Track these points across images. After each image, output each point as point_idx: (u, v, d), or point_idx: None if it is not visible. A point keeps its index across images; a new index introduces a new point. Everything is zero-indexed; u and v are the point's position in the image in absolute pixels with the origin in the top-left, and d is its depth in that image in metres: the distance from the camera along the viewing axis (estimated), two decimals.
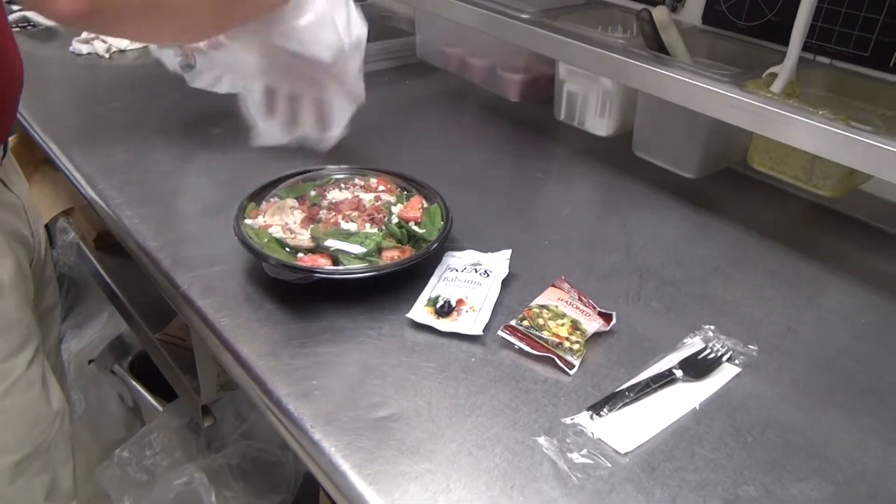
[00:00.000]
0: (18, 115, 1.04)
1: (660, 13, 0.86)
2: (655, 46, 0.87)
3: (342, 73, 0.79)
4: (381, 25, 1.43)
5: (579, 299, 0.69)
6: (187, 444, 1.07)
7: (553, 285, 0.70)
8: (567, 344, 0.63)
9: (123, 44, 1.31)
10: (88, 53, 1.29)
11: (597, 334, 0.66)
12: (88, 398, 1.34)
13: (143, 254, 0.77)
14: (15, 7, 1.43)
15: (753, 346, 0.65)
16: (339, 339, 0.65)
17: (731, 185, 0.95)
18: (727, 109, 0.78)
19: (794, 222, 0.90)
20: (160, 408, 1.13)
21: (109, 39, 1.31)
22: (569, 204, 0.90)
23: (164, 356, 0.92)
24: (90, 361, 1.38)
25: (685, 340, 0.66)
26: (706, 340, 0.65)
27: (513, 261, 0.75)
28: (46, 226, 1.08)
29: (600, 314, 0.68)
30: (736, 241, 0.84)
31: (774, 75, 0.80)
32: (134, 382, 1.20)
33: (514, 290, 0.72)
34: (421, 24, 1.24)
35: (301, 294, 0.70)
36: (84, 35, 1.31)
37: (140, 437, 1.09)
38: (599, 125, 1.00)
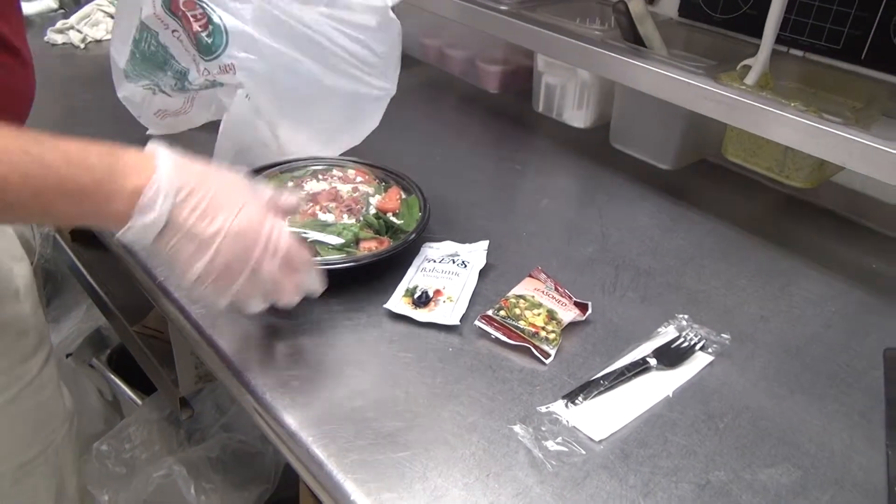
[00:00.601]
0: None
1: (636, 5, 0.87)
2: (632, 38, 0.88)
3: None
4: None
5: (556, 289, 0.70)
6: (167, 436, 1.06)
7: (530, 275, 0.71)
8: (543, 333, 0.63)
9: (99, 34, 1.29)
10: (63, 43, 1.28)
11: (573, 324, 0.67)
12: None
13: (119, 246, 0.77)
14: None
15: (726, 335, 0.66)
16: (317, 330, 0.66)
17: (706, 175, 0.96)
18: (701, 101, 0.79)
19: (768, 213, 0.91)
20: (139, 401, 1.13)
21: (85, 30, 1.29)
22: (546, 195, 0.90)
23: (141, 349, 0.91)
24: (68, 355, 1.37)
25: (659, 329, 0.67)
26: (680, 329, 0.67)
27: (490, 251, 0.76)
28: None
29: (576, 304, 0.68)
30: (710, 232, 0.85)
31: (748, 68, 0.81)
32: (112, 376, 1.19)
33: (492, 281, 0.73)
34: (399, 14, 1.24)
35: None
36: (59, 24, 1.29)
37: (119, 430, 1.08)
38: (577, 117, 1.00)
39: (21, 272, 0.73)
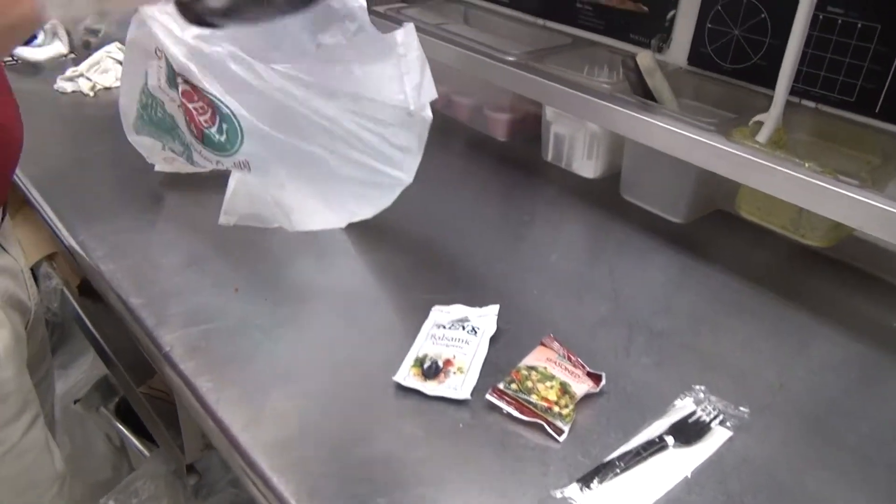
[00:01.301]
0: None
1: (644, 60, 0.86)
2: (641, 92, 0.87)
3: None
4: None
5: (568, 358, 0.68)
6: (174, 491, 1.05)
7: (542, 344, 0.70)
8: (556, 409, 0.62)
9: (108, 81, 1.30)
10: (73, 91, 1.28)
11: (586, 395, 0.65)
12: (74, 439, 1.31)
13: (126, 311, 0.76)
14: None
15: (744, 408, 0.65)
16: (324, 402, 0.64)
17: (719, 227, 0.95)
18: (713, 160, 0.78)
19: (784, 267, 0.89)
20: (147, 452, 1.12)
21: (94, 77, 1.30)
22: (556, 249, 0.89)
23: (147, 410, 0.90)
24: (76, 401, 1.36)
25: (675, 402, 0.65)
26: (697, 402, 0.65)
27: (500, 313, 0.75)
28: (31, 269, 1.07)
29: (589, 374, 0.67)
30: (724, 287, 0.84)
31: (761, 123, 0.80)
32: (120, 426, 1.18)
33: (502, 347, 0.71)
34: None
35: (287, 355, 0.69)
36: (69, 72, 1.30)
37: (126, 485, 1.07)
38: (587, 167, 0.99)
39: (2, 338, 0.72)
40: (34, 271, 1.12)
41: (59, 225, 0.89)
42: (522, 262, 0.86)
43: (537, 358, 0.67)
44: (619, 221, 0.95)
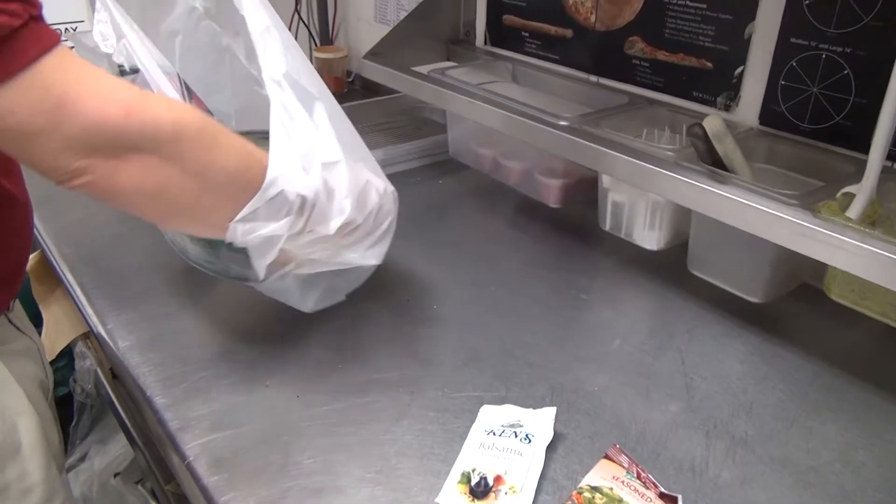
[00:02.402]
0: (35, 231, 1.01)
1: (713, 124, 0.78)
2: (709, 159, 0.78)
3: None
4: (413, 117, 1.39)
5: (637, 476, 0.59)
6: None
7: (607, 456, 0.61)
8: None
9: None
10: None
11: None
12: None
13: (151, 411, 0.71)
14: None
15: None
16: None
17: (805, 307, 0.85)
18: (798, 239, 0.68)
19: (885, 353, 0.79)
20: None
21: None
22: (618, 334, 0.81)
23: None
24: (116, 475, 1.32)
25: None
26: None
27: (557, 413, 0.67)
28: (66, 349, 1.03)
29: (662, 496, 0.58)
30: (815, 379, 0.73)
31: (851, 195, 0.70)
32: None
33: (560, 456, 0.63)
34: (452, 121, 1.18)
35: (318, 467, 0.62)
36: None
37: None
38: (649, 238, 0.91)
39: (27, 426, 0.69)
40: (71, 349, 1.09)
41: (89, 310, 0.85)
42: (580, 351, 0.78)
43: (602, 475, 0.59)
44: (689, 301, 0.86)
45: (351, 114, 0.71)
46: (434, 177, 1.21)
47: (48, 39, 0.47)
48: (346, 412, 0.69)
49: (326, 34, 1.71)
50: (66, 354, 1.08)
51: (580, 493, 0.57)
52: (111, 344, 0.79)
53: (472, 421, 0.67)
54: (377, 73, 1.18)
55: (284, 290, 0.75)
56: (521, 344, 0.78)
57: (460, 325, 0.81)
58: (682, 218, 0.89)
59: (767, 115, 0.89)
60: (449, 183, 1.19)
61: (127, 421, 0.94)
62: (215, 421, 0.68)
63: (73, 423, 1.29)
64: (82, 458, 1.30)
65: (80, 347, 1.05)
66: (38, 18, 0.48)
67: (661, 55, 1.00)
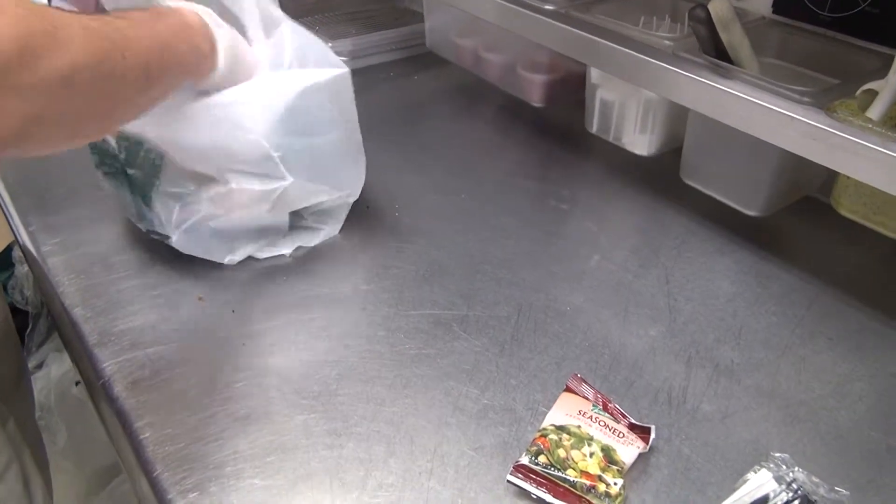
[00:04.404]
0: None
1: (719, 8, 0.66)
2: (712, 50, 0.68)
3: None
4: (390, 6, 1.25)
5: (604, 408, 0.52)
6: None
7: (568, 388, 0.54)
8: (602, 487, 0.46)
9: None
10: None
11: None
12: (72, 427, 1.23)
13: (70, 323, 0.63)
14: None
15: (843, 490, 0.48)
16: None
17: (807, 220, 0.76)
18: (808, 143, 0.59)
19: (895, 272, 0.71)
20: None
21: None
22: (598, 249, 0.72)
23: None
24: (77, 383, 1.27)
25: (748, 476, 0.49)
26: (777, 479, 0.48)
27: (525, 334, 0.60)
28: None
29: (633, 427, 0.51)
30: (813, 303, 0.66)
31: (873, 93, 0.60)
32: None
33: (522, 384, 0.56)
34: (430, 9, 1.06)
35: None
36: None
37: None
38: (639, 142, 0.81)
39: None
40: (8, 255, 1.01)
41: (12, 210, 0.77)
42: (555, 267, 0.70)
43: (566, 411, 0.51)
44: (679, 213, 0.77)
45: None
46: (409, 72, 1.10)
47: None
48: (285, 330, 0.61)
49: None
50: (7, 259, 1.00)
51: (545, 436, 0.50)
52: (32, 249, 0.71)
53: (426, 342, 0.60)
54: None
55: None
56: (491, 259, 0.70)
57: (425, 237, 0.73)
58: (678, 120, 0.78)
59: (783, 1, 0.78)
60: (425, 79, 1.08)
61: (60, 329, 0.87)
62: (137, 337, 0.60)
63: (28, 331, 1.23)
64: (39, 366, 1.24)
65: (17, 252, 0.98)
66: None
67: None
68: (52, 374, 1.22)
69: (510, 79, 0.96)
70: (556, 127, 0.93)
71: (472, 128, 0.96)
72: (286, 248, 0.70)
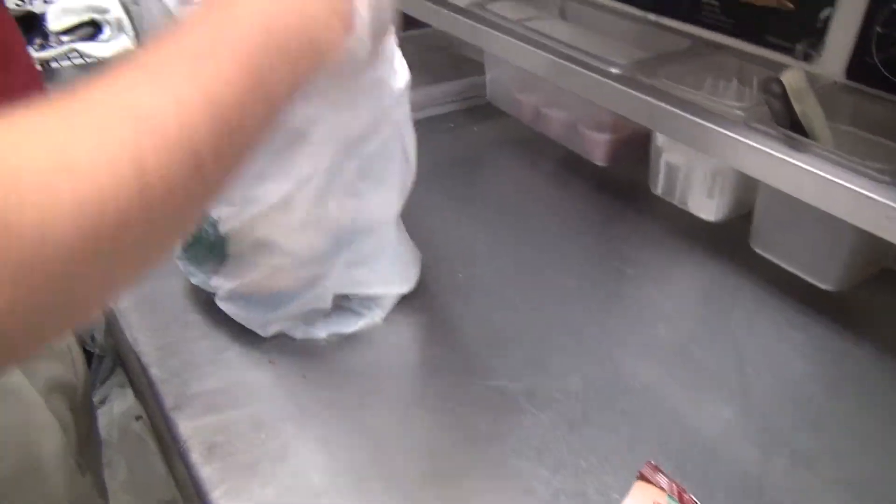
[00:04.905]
0: None
1: (794, 80, 0.66)
2: (786, 121, 0.67)
3: None
4: (450, 54, 1.27)
5: (679, 499, 0.51)
6: None
7: (642, 476, 0.53)
8: None
9: None
10: None
11: None
12: (132, 461, 1.25)
13: (147, 383, 0.65)
14: (64, 38, 1.35)
15: None
16: None
17: (887, 295, 0.74)
18: (887, 223, 0.57)
19: None
20: None
21: None
22: (664, 318, 0.71)
23: None
24: (138, 418, 1.30)
25: None
26: None
27: (593, 411, 0.59)
28: None
29: None
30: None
31: None
32: None
33: (594, 466, 0.55)
34: (491, 62, 1.07)
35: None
36: None
37: None
38: (706, 207, 0.80)
39: (49, 442, 0.61)
40: None
41: None
42: (620, 335, 0.69)
43: (641, 501, 0.51)
44: (748, 281, 0.76)
45: None
46: (469, 122, 1.11)
47: None
48: (353, 398, 0.62)
49: None
50: None
51: None
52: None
53: (493, 417, 0.59)
54: (410, 4, 1.07)
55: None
56: (556, 324, 0.70)
57: (487, 298, 0.73)
58: (747, 186, 0.77)
59: (857, 67, 0.76)
60: (485, 130, 1.09)
61: (131, 375, 0.89)
62: (212, 400, 0.62)
63: (94, 366, 1.27)
64: (103, 401, 1.28)
65: None
66: None
67: None
68: (114, 410, 1.26)
69: (571, 136, 0.96)
70: (618, 186, 0.92)
71: (532, 182, 0.96)
72: (322, 332, 0.67)
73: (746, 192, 0.78)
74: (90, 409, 0.80)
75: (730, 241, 0.80)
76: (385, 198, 0.61)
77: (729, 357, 0.67)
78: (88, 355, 1.26)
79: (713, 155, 0.71)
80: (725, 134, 0.67)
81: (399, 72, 0.55)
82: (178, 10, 0.51)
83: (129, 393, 1.30)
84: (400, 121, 0.56)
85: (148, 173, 0.27)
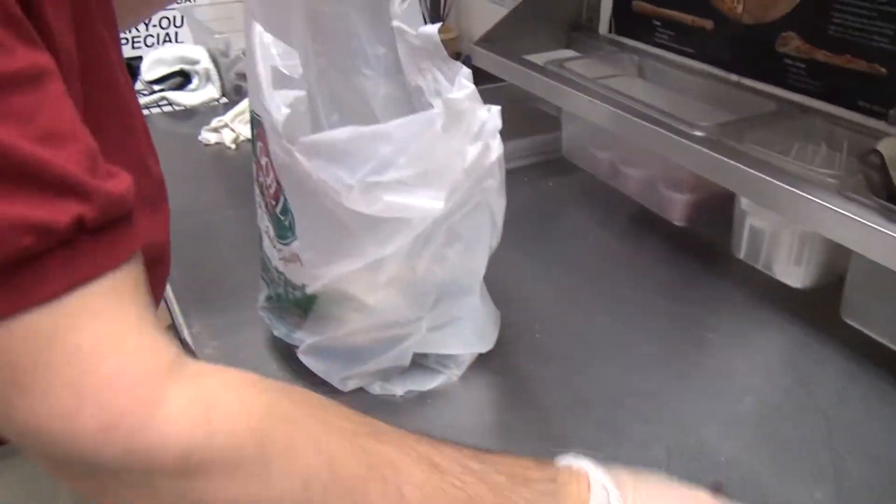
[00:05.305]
0: None
1: (891, 148, 0.64)
2: (883, 192, 0.65)
3: None
4: (526, 108, 1.28)
5: None
6: None
7: None
8: None
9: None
10: (217, 143, 1.24)
11: None
12: None
13: None
14: (156, 87, 1.43)
15: None
16: None
17: None
18: None
19: None
20: None
21: (238, 128, 1.25)
22: (750, 388, 0.69)
23: None
24: None
25: None
26: None
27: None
28: None
29: None
30: None
31: None
32: None
33: None
34: (568, 118, 1.08)
35: None
36: (214, 122, 1.26)
37: None
38: (793, 274, 0.78)
39: None
40: None
41: (176, 308, 0.82)
42: (703, 405, 0.67)
43: None
44: (837, 353, 0.73)
45: None
46: (543, 176, 1.11)
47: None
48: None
49: (437, 12, 1.63)
50: None
51: None
52: (194, 349, 0.76)
53: None
54: (488, 61, 1.09)
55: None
56: (635, 390, 0.68)
57: (565, 362, 0.72)
58: (837, 253, 0.75)
59: None
60: (559, 185, 1.09)
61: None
62: None
63: None
64: None
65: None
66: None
67: (822, 55, 0.85)
68: None
69: (649, 194, 0.95)
70: (697, 247, 0.91)
71: (608, 239, 0.96)
72: (399, 389, 0.67)
73: (836, 259, 0.76)
74: None
75: (817, 310, 0.77)
76: (472, 263, 0.61)
77: (818, 433, 0.64)
78: None
79: (805, 223, 0.70)
80: (818, 203, 0.66)
81: (494, 147, 0.56)
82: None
83: None
84: (490, 188, 0.57)
85: None
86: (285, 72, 0.57)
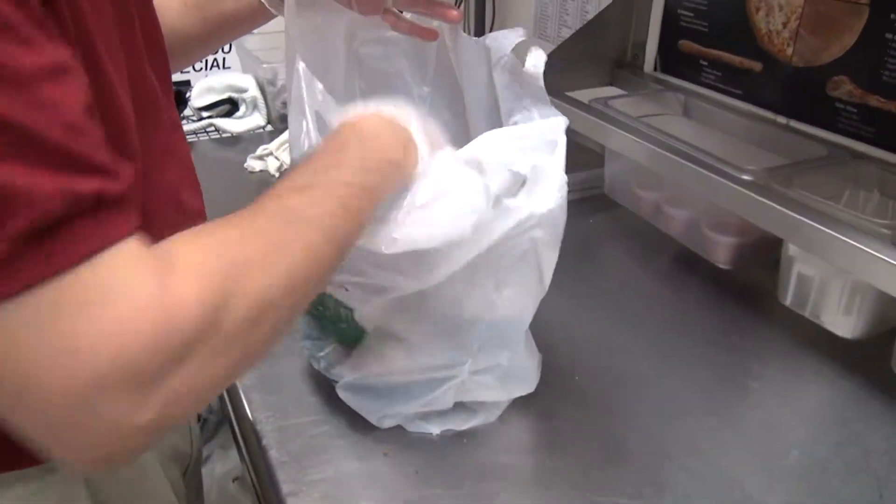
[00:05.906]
0: None
1: None
2: None
3: None
4: (569, 143, 1.28)
5: None
6: None
7: None
8: None
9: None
10: (261, 170, 1.27)
11: None
12: None
13: (264, 465, 0.66)
14: (204, 114, 1.46)
15: None
16: None
17: None
18: None
19: None
20: None
21: (282, 156, 1.28)
22: (797, 442, 0.67)
23: None
24: (235, 479, 1.33)
25: None
26: None
27: None
28: None
29: None
30: None
31: None
32: None
33: None
34: (611, 156, 1.07)
35: None
36: (259, 150, 1.29)
37: None
38: (842, 324, 0.76)
39: None
40: None
41: None
42: (748, 459, 0.65)
43: None
44: (888, 407, 0.70)
45: None
46: (585, 213, 1.11)
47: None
48: (466, 499, 0.61)
49: None
50: None
51: None
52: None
53: None
54: None
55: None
56: (679, 441, 0.67)
57: (606, 408, 0.71)
58: (890, 305, 0.73)
59: None
60: (601, 223, 1.08)
61: (244, 449, 0.92)
62: (328, 490, 0.62)
63: (199, 424, 1.31)
64: (204, 461, 1.32)
65: None
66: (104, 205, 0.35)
67: (875, 100, 0.83)
68: (216, 470, 1.29)
69: (693, 236, 0.94)
70: (741, 291, 0.89)
71: (649, 281, 0.95)
72: (435, 428, 0.67)
73: (888, 310, 0.74)
74: (199, 477, 0.83)
75: (868, 362, 0.75)
76: (519, 313, 0.61)
77: (869, 492, 0.62)
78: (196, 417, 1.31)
79: (856, 273, 0.68)
80: (870, 253, 0.64)
81: (545, 198, 0.56)
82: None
83: (232, 455, 1.33)
84: (539, 239, 0.57)
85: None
86: (328, 118, 0.58)
